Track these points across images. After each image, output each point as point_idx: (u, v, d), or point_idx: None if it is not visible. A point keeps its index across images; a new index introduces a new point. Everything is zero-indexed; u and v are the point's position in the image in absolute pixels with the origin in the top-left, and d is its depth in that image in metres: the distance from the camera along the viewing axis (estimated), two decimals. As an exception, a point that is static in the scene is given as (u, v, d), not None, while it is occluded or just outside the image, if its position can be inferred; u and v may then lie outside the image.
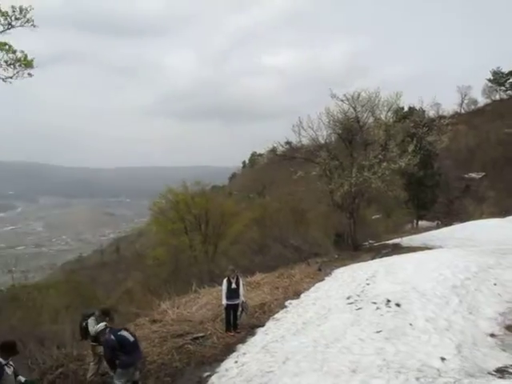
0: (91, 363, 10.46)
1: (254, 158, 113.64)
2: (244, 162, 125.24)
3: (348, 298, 13.25)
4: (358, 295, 13.29)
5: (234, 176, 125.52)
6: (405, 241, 30.88)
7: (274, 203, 46.83)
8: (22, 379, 7.67)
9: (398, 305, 11.49)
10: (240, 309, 12.98)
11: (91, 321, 10.12)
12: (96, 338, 9.91)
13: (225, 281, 12.71)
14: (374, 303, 12.00)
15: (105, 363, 9.48)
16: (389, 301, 11.87)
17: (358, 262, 22.53)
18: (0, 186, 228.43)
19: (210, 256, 37.36)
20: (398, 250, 26.99)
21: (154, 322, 14.56)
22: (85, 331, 10.19)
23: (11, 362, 7.35)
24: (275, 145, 36.00)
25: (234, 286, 12.63)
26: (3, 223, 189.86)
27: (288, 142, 35.01)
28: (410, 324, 10.08)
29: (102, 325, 9.55)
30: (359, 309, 11.93)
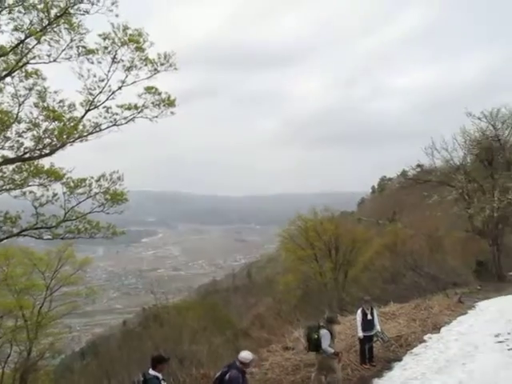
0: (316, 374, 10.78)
1: (384, 182, 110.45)
2: (373, 187, 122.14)
3: (497, 336, 12.06)
4: (509, 333, 12.03)
5: (362, 201, 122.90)
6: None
7: (406, 229, 44.86)
8: None
9: (562, 348, 10.13)
10: (375, 339, 12.53)
11: (326, 334, 10.41)
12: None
13: (359, 312, 12.31)
14: (531, 343, 10.76)
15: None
16: (549, 342, 10.55)
17: (506, 294, 20.53)
18: (143, 213, 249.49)
19: (340, 283, 36.75)
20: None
21: (287, 349, 14.58)
22: (315, 343, 10.45)
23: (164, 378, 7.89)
24: (406, 168, 34.71)
25: (369, 317, 12.23)
26: (146, 248, 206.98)
27: (420, 165, 33.53)
28: None
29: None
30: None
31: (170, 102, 14.53)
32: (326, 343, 10.25)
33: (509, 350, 10.74)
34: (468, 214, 27.69)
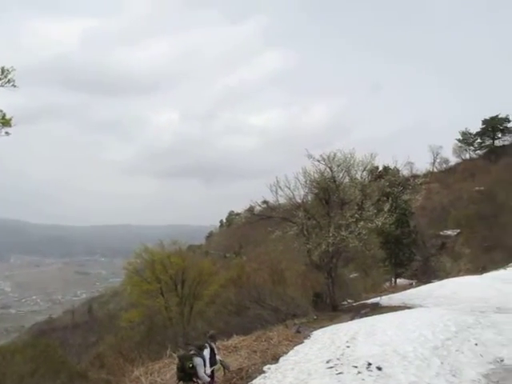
0: None
1: (232, 217, 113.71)
2: (221, 221, 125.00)
3: (328, 362, 12.84)
4: (338, 358, 12.92)
5: (210, 235, 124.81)
6: (384, 300, 30.60)
7: (251, 263, 46.43)
8: None
9: (379, 368, 11.18)
10: (218, 367, 12.50)
11: (200, 361, 10.13)
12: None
13: (209, 349, 11.25)
14: (355, 367, 11.66)
15: None
16: (370, 364, 11.55)
17: (337, 322, 22.12)
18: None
19: (186, 317, 36.35)
20: (377, 309, 26.66)
21: (126, 390, 13.85)
22: (190, 373, 10.15)
23: None
24: (253, 204, 36.18)
25: (216, 352, 12.07)
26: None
27: (265, 202, 35.17)
28: (393, 389, 9.75)
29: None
30: (340, 373, 11.54)
31: (4, 121, 13.29)
32: (201, 371, 10.18)
33: (337, 374, 11.50)
34: (307, 248, 29.59)
